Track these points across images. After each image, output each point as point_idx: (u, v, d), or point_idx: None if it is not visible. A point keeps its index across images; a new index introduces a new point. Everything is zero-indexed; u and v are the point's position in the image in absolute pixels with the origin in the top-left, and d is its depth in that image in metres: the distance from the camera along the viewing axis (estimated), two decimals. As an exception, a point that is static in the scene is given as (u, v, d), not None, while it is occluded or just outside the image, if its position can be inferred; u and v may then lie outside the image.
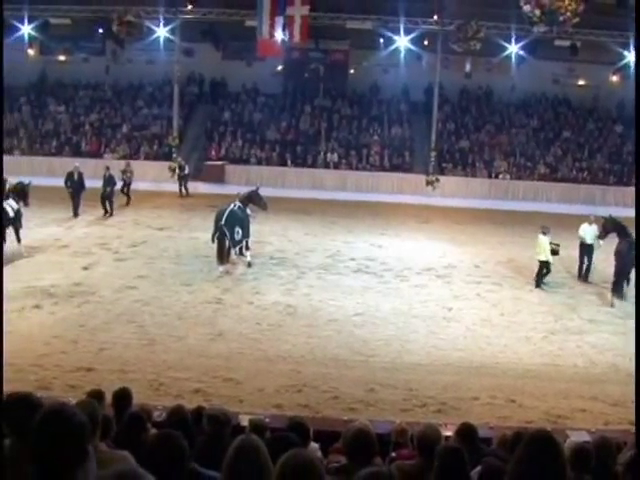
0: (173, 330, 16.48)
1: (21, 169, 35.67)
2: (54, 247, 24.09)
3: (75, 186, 28.91)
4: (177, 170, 36.16)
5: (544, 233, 21.21)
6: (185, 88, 43.59)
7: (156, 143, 41.46)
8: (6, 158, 35.81)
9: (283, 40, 36.14)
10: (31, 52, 43.94)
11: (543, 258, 21.11)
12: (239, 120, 43.21)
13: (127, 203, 31.88)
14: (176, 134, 40.41)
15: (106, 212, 29.41)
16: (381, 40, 40.17)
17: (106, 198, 29.37)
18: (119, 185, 31.09)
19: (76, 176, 29.06)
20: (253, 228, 22.80)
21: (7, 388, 11.60)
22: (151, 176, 37.10)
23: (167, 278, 20.78)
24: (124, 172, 32.06)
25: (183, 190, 35.40)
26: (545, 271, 21.32)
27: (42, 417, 3.38)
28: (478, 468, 6.31)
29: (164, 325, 16.79)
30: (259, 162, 40.35)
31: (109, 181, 29.47)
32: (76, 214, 28.86)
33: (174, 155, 38.77)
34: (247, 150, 40.98)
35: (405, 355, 15.58)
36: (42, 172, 35.83)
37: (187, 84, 44.39)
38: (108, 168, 29.88)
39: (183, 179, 35.56)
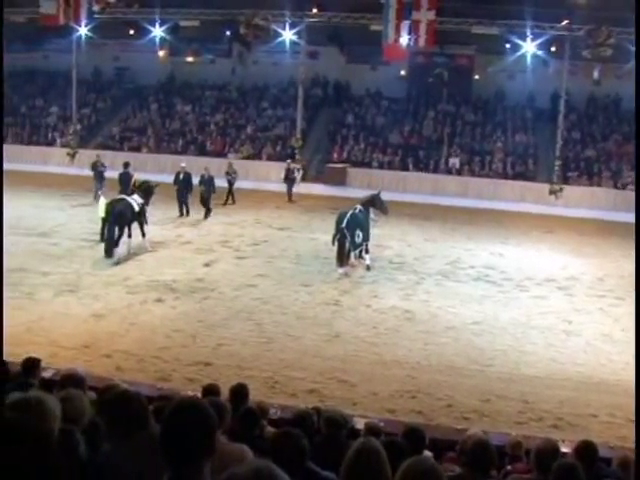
0: (290, 329, 16.64)
1: (147, 166, 36.96)
2: (177, 243, 24.73)
3: (180, 186, 29.21)
4: (285, 172, 34.89)
5: None
6: (309, 90, 43.98)
7: (279, 144, 42.01)
8: (133, 155, 37.46)
9: (408, 44, 36.07)
10: (161, 54, 45.47)
11: None
12: (362, 123, 43.37)
13: (232, 202, 32.02)
14: (299, 136, 40.81)
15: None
16: (507, 45, 39.68)
17: (206, 199, 29.37)
18: (219, 185, 30.79)
19: (182, 176, 29.38)
20: (373, 232, 22.80)
21: (129, 377, 12.12)
22: (274, 177, 37.56)
23: (286, 278, 20.99)
24: (227, 173, 32.25)
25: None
26: None
27: (175, 410, 3.45)
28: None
29: (282, 324, 16.97)
30: (381, 166, 40.31)
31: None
32: (181, 213, 29.07)
33: (297, 157, 39.10)
34: (369, 153, 41.04)
35: (522, 367, 15.25)
36: (167, 170, 36.82)
37: (311, 87, 44.83)
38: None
39: (290, 182, 34.60)
